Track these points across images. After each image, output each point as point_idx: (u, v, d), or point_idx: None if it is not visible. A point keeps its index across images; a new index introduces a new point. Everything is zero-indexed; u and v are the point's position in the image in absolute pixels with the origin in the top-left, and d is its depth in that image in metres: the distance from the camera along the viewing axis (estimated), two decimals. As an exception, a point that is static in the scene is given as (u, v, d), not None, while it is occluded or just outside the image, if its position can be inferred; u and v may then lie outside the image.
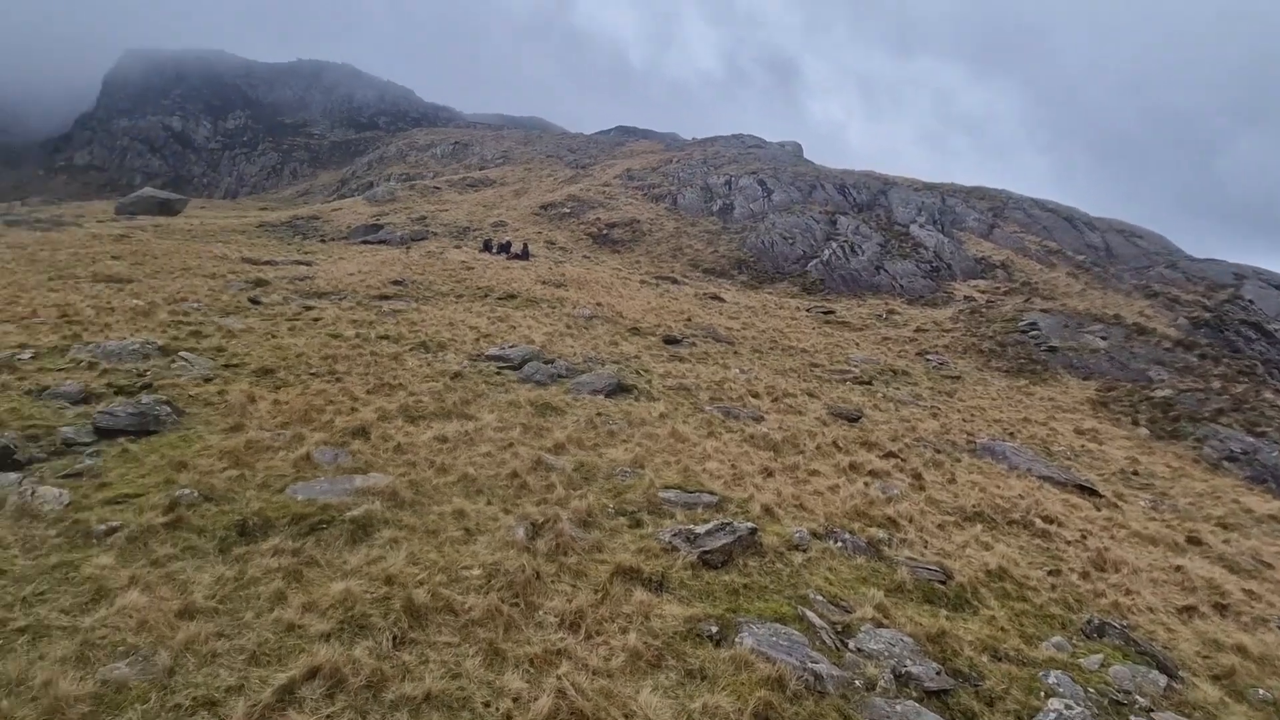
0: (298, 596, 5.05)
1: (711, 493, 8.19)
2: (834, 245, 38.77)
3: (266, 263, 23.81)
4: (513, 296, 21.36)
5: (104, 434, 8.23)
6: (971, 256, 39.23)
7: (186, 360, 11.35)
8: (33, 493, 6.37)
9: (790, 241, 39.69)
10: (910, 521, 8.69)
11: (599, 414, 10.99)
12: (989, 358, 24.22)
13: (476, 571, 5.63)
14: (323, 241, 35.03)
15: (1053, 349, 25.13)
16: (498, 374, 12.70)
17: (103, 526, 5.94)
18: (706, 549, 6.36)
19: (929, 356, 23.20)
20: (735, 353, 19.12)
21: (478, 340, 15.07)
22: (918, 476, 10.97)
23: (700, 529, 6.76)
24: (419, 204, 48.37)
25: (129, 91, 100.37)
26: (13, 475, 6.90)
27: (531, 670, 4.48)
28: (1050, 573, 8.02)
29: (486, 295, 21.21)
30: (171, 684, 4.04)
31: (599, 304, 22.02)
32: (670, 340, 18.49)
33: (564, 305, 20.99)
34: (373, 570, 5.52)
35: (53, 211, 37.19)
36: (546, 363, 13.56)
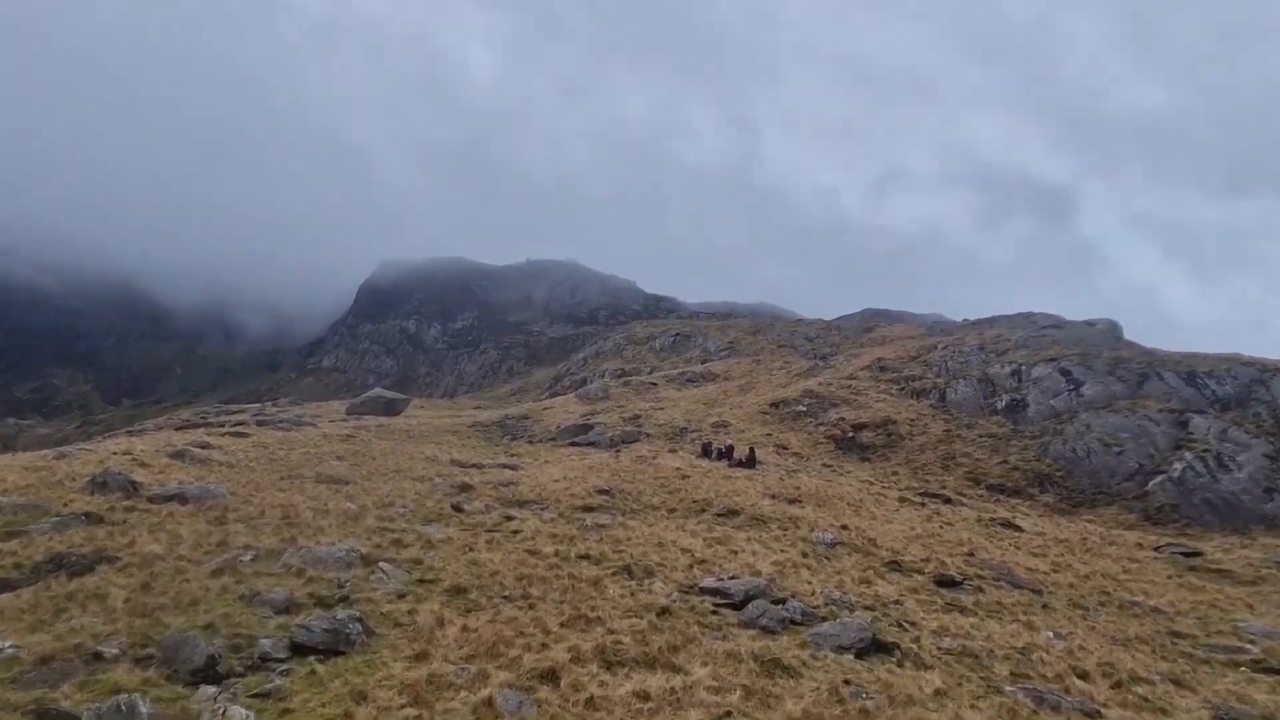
0: None
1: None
2: (1188, 456, 33.56)
3: (473, 465, 26.99)
4: (735, 513, 21.61)
5: (298, 649, 9.49)
6: None
7: (384, 572, 12.98)
8: (224, 712, 7.34)
9: (1116, 450, 35.26)
10: None
11: (846, 681, 10.01)
12: None
13: None
14: (530, 443, 39.09)
15: None
16: (714, 613, 12.58)
17: (278, 763, 6.55)
18: None
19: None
20: (1045, 606, 16.66)
21: (691, 567, 15.20)
22: None
23: None
24: (633, 401, 52.29)
25: (377, 299, 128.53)
26: (211, 689, 8.08)
27: None
28: None
29: (704, 510, 21.74)
30: None
31: (844, 527, 21.32)
32: (945, 582, 16.99)
33: (799, 527, 20.67)
34: None
35: (296, 411, 46.99)
36: (775, 602, 13.08)
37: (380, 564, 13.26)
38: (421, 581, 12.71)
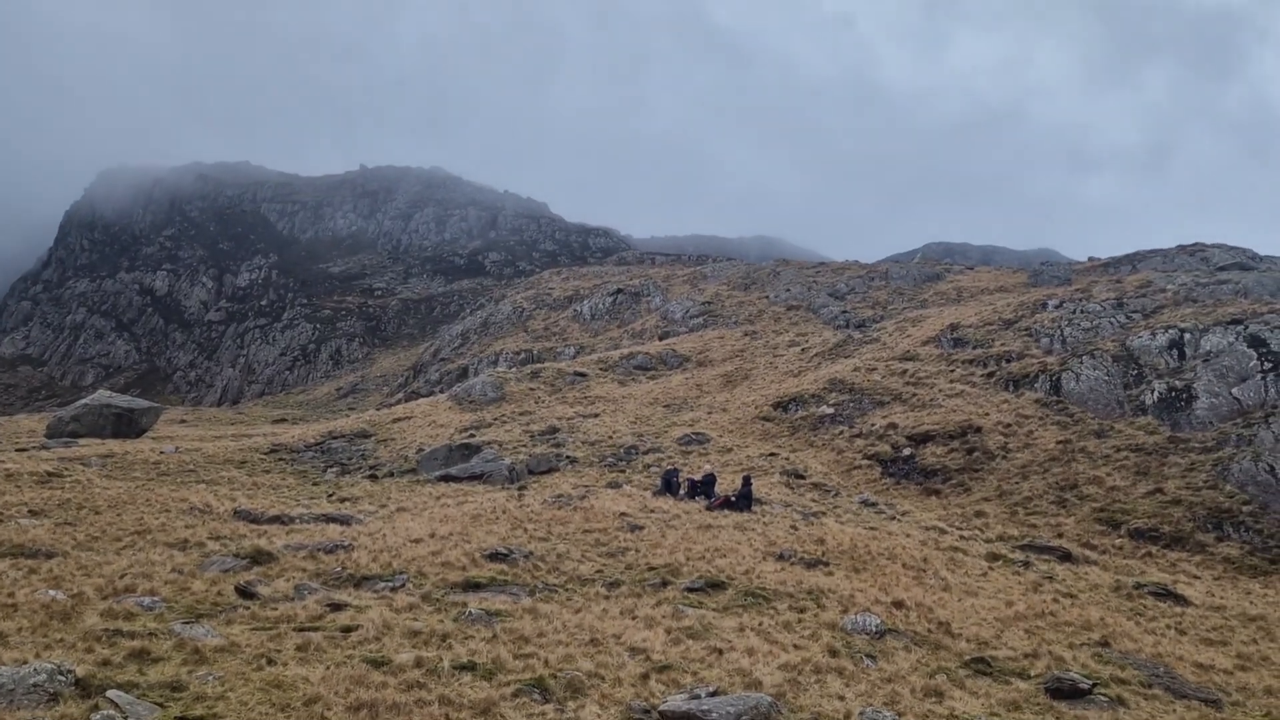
0: None
1: None
2: None
3: (274, 519, 26.61)
4: (719, 586, 21.89)
5: None
6: None
7: (116, 707, 12.12)
8: None
9: (1346, 471, 35.99)
10: None
11: None
12: None
13: None
14: (374, 479, 38.71)
15: None
16: (688, 761, 12.28)
17: None
18: None
19: None
20: (1228, 734, 16.78)
21: (645, 678, 15.12)
22: None
23: None
24: (547, 404, 52.26)
25: (98, 236, 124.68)
26: None
27: None
28: None
29: (666, 584, 21.91)
30: None
31: (899, 604, 21.61)
32: (1064, 691, 16.95)
33: (824, 606, 20.85)
34: None
35: (-51, 435, 45.67)
36: (791, 737, 12.96)
37: (110, 693, 12.43)
38: (184, 720, 11.99)
